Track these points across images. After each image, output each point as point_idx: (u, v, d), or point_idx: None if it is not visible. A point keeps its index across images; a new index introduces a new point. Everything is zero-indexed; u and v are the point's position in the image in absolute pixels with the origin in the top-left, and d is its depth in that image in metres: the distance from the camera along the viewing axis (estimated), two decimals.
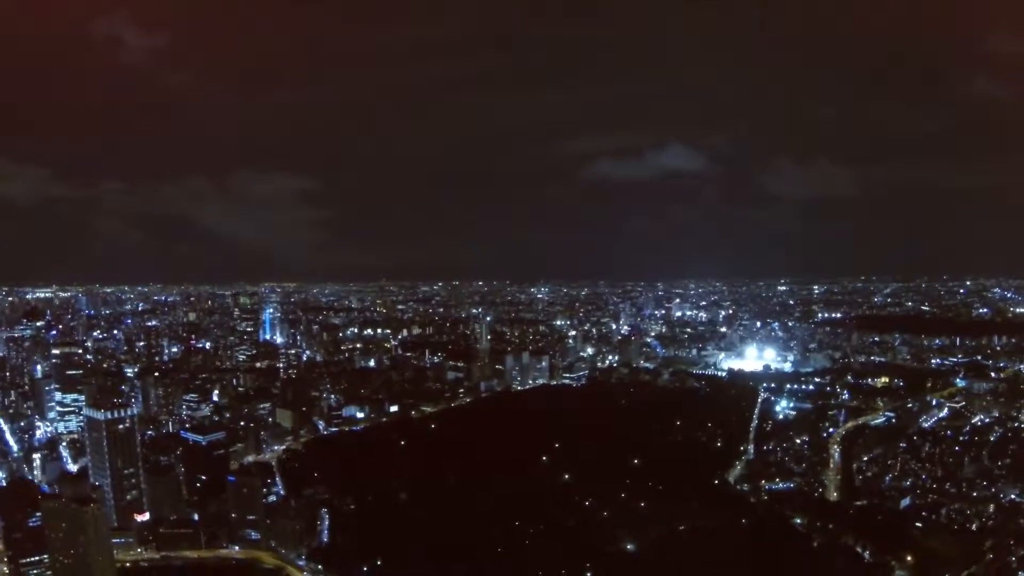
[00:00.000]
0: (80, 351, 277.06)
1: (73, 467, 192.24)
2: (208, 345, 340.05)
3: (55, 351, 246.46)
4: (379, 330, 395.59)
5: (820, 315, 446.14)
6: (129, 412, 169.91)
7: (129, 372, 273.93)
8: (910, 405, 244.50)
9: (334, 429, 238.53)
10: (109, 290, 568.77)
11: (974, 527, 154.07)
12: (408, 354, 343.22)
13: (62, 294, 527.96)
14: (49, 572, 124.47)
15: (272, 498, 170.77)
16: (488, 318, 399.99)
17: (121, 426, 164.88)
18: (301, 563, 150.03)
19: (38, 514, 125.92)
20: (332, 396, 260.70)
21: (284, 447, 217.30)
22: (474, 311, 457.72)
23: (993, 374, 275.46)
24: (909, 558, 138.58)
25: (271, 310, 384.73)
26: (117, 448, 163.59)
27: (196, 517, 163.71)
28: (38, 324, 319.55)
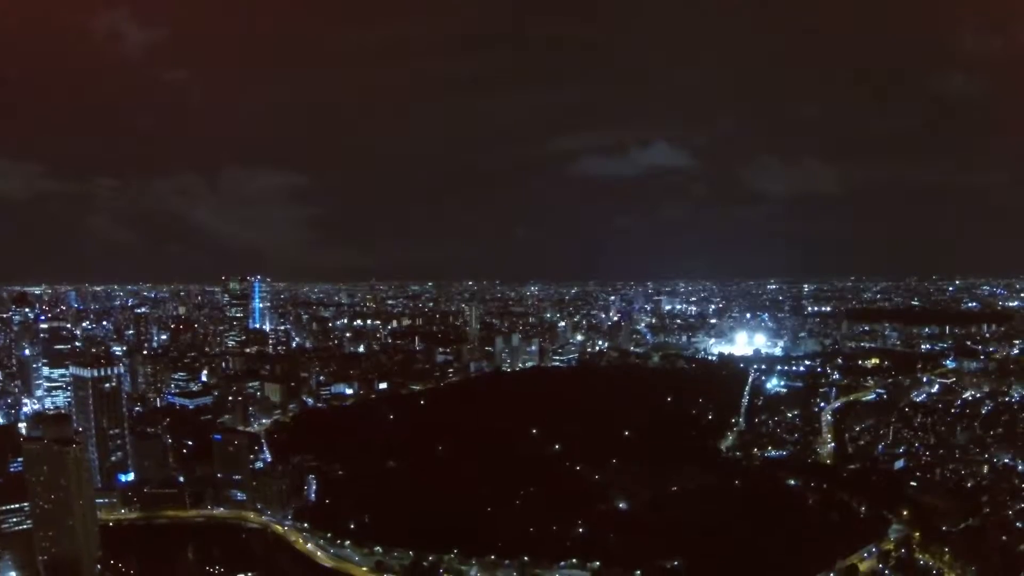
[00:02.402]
0: (69, 325, 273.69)
1: None
2: (198, 330, 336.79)
3: (43, 326, 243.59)
4: (369, 321, 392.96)
5: (810, 309, 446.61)
6: (115, 371, 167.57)
7: (118, 351, 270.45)
8: (902, 380, 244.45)
9: (322, 404, 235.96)
10: (99, 288, 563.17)
11: (969, 485, 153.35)
12: (398, 342, 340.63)
13: (50, 291, 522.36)
14: (29, 520, 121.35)
15: (259, 465, 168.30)
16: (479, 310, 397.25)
17: (107, 384, 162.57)
18: (288, 523, 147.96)
19: (19, 460, 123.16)
20: (321, 376, 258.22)
21: (272, 420, 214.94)
22: (464, 306, 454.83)
23: (983, 357, 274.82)
24: (905, 513, 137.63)
25: (260, 300, 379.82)
26: (102, 407, 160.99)
27: (181, 479, 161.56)
28: (27, 311, 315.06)
